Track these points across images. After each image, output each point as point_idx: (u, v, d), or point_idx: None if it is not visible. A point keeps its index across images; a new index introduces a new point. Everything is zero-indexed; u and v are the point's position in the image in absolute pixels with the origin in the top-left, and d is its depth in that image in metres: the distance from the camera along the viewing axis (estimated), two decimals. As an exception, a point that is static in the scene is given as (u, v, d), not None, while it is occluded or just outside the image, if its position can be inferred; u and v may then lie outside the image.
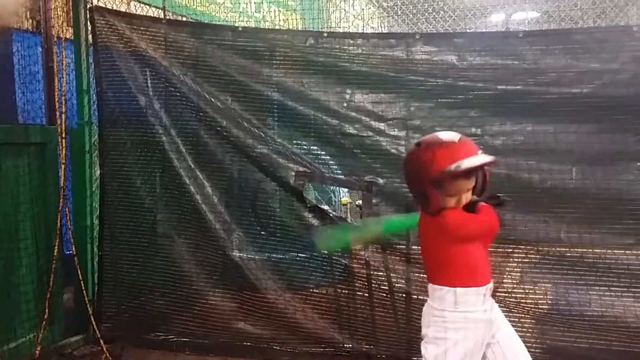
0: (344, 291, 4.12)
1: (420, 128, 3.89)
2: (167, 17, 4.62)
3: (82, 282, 4.32)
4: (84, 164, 4.45)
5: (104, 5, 4.45)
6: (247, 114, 4.18)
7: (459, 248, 2.39)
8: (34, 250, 4.18)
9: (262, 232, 4.25)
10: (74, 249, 4.32)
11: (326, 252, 2.47)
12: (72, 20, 4.52)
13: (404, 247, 3.95)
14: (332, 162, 4.15)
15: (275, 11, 6.41)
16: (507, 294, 3.67)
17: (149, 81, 4.32)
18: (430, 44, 3.91)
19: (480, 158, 2.32)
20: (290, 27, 5.79)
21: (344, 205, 5.00)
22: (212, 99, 4.21)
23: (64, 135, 4.33)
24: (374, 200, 3.99)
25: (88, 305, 4.33)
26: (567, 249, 3.69)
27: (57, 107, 4.42)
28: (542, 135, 3.68)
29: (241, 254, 4.22)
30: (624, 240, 3.60)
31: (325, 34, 4.25)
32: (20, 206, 4.10)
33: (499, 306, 2.58)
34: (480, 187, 2.40)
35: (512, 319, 2.85)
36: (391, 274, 3.98)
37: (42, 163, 4.25)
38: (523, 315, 3.64)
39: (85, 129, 4.45)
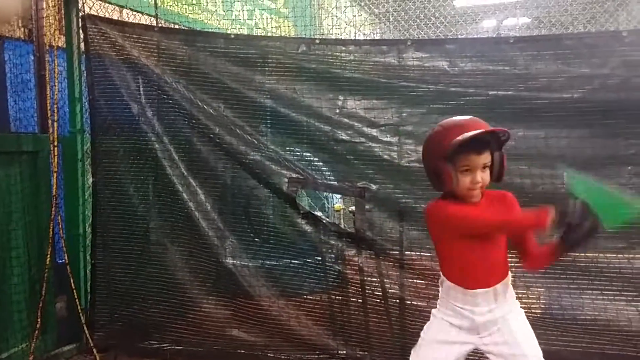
0: (337, 297, 4.12)
1: (412, 134, 3.91)
2: (160, 25, 4.63)
3: (74, 290, 4.30)
4: (76, 172, 4.45)
5: (96, 14, 4.45)
6: (239, 121, 4.19)
7: (449, 243, 2.43)
8: (26, 259, 4.16)
9: (256, 239, 4.25)
10: (66, 257, 4.31)
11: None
12: (64, 28, 4.52)
13: (397, 252, 3.95)
14: (325, 168, 4.16)
15: (267, 18, 6.43)
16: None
17: (141, 89, 4.32)
18: (421, 50, 3.93)
19: (488, 129, 2.33)
20: (283, 34, 5.81)
21: (337, 211, 5.01)
22: (205, 106, 4.21)
23: (56, 143, 4.32)
24: (367, 206, 3.99)
25: (81, 314, 4.32)
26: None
27: (49, 115, 4.43)
28: (534, 140, 3.69)
29: (235, 261, 4.22)
30: (615, 244, 3.60)
31: (317, 41, 4.26)
32: (12, 215, 4.08)
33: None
34: (498, 167, 2.36)
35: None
36: (385, 280, 3.98)
37: (34, 171, 4.24)
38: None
39: (77, 137, 4.44)
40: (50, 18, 4.68)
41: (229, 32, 5.19)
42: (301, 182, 4.11)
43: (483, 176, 2.33)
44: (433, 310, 2.54)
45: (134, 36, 4.32)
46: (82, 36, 4.40)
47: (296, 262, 4.18)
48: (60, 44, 4.59)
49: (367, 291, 4.03)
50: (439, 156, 2.31)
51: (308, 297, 4.17)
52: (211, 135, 4.21)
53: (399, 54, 3.95)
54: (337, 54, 4.12)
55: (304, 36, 5.22)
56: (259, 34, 6.20)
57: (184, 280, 4.28)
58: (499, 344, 2.40)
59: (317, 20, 5.62)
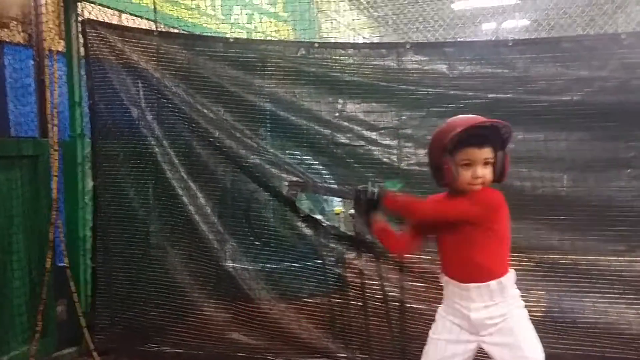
0: (337, 300, 4.11)
1: (411, 137, 3.92)
2: (159, 29, 4.64)
3: (75, 294, 4.31)
4: (77, 176, 4.45)
5: (95, 18, 4.45)
6: (239, 125, 4.19)
7: (438, 236, 2.54)
8: (26, 263, 4.18)
9: (256, 242, 4.25)
10: (66, 261, 4.31)
11: None
12: (63, 33, 4.54)
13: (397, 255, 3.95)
14: (324, 171, 4.16)
15: (266, 22, 6.43)
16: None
17: (141, 93, 4.32)
18: (420, 53, 3.94)
19: (487, 120, 2.36)
20: (282, 38, 5.81)
21: (336, 214, 5.00)
22: (205, 110, 4.21)
23: (56, 147, 4.33)
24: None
25: (81, 317, 4.32)
26: (560, 256, 3.70)
27: (49, 119, 4.44)
28: (533, 143, 3.69)
29: (235, 264, 4.22)
30: (616, 247, 3.61)
31: (316, 45, 4.26)
32: (13, 219, 4.10)
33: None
34: (501, 166, 2.38)
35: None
36: (385, 283, 3.98)
37: (35, 176, 4.25)
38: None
39: (77, 141, 4.45)
40: (50, 23, 4.69)
41: (228, 36, 5.19)
42: (301, 185, 4.11)
43: (484, 172, 2.35)
44: (438, 309, 2.57)
45: (134, 40, 4.32)
46: (81, 41, 4.41)
47: (296, 265, 4.18)
48: (60, 49, 4.60)
49: (367, 294, 4.03)
50: (441, 149, 2.35)
51: (308, 300, 4.17)
52: (211, 139, 4.21)
53: (398, 57, 3.96)
54: (337, 57, 4.13)
55: (303, 40, 5.22)
56: (258, 38, 6.21)
57: (184, 283, 4.28)
58: (500, 345, 2.40)
59: (316, 24, 5.63)
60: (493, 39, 5.89)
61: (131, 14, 4.92)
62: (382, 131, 4.00)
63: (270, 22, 6.49)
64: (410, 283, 3.90)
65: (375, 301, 4.02)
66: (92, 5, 4.48)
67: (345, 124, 4.06)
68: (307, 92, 4.12)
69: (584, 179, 3.66)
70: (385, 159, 3.97)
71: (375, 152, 4.00)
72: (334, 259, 4.09)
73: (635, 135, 3.62)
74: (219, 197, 4.29)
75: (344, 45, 4.34)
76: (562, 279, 3.69)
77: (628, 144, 3.63)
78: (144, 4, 5.06)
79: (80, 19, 4.41)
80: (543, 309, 3.72)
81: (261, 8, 6.49)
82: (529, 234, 3.67)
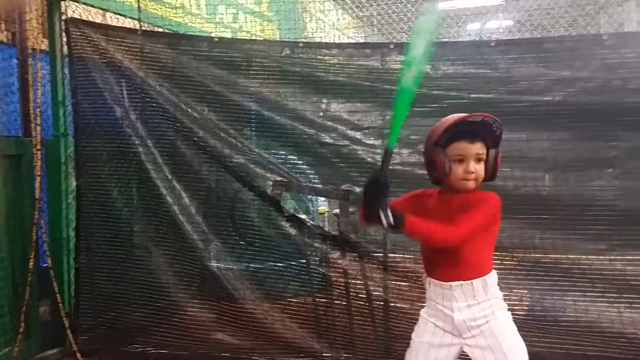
0: (322, 300, 4.12)
1: (395, 137, 3.91)
2: (143, 28, 4.62)
3: (58, 294, 4.29)
4: (60, 175, 4.43)
5: (79, 17, 4.43)
6: (224, 124, 4.19)
7: None
8: (9, 263, 4.16)
9: (241, 242, 4.24)
10: (49, 261, 4.29)
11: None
12: (47, 32, 4.51)
13: (381, 255, 3.96)
14: (309, 171, 4.17)
15: (251, 21, 6.42)
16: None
17: (125, 92, 4.31)
18: (404, 53, 3.94)
19: (479, 114, 2.36)
20: (267, 37, 5.81)
21: (321, 214, 5.01)
22: (189, 110, 4.21)
23: (39, 147, 4.31)
24: (351, 209, 4.00)
25: (64, 318, 4.30)
26: (542, 255, 3.73)
27: (32, 118, 4.40)
28: (516, 143, 3.70)
29: (219, 264, 4.21)
30: (597, 246, 3.64)
31: (301, 44, 4.26)
32: (-5, 219, 4.07)
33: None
34: (492, 164, 2.39)
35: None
36: (369, 282, 3.99)
37: (18, 175, 4.23)
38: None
39: (60, 140, 4.43)
40: (34, 21, 4.65)
41: (213, 35, 5.18)
42: (285, 185, 4.12)
43: (477, 167, 2.36)
44: (421, 311, 2.55)
45: (117, 39, 4.31)
46: (65, 40, 4.39)
47: (280, 264, 4.18)
48: (43, 47, 4.57)
49: (351, 293, 4.04)
50: (433, 144, 2.38)
51: (292, 299, 4.17)
52: (195, 139, 4.20)
53: (382, 57, 3.98)
54: (321, 57, 4.14)
55: (288, 39, 5.22)
56: (243, 37, 6.20)
57: (168, 283, 4.27)
58: (483, 347, 2.39)
59: (301, 24, 5.63)
60: (477, 39, 5.92)
61: (115, 13, 4.90)
62: (366, 131, 4.01)
63: (255, 21, 6.48)
64: (394, 282, 3.92)
65: (360, 300, 4.03)
66: (76, 4, 4.45)
67: (330, 123, 4.06)
68: (291, 92, 4.12)
69: (566, 179, 3.69)
70: (369, 159, 3.98)
71: (359, 152, 4.01)
72: (318, 258, 4.10)
73: (617, 135, 3.65)
74: (203, 197, 4.29)
75: (328, 45, 4.36)
76: (544, 277, 3.72)
77: (609, 143, 3.66)
78: (128, 3, 5.04)
79: (64, 17, 4.39)
80: (525, 308, 3.75)
81: (246, 7, 6.48)
82: (511, 233, 3.70)
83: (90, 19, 4.52)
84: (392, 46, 4.05)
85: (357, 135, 4.03)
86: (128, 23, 4.80)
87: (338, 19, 5.72)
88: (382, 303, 3.97)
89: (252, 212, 4.23)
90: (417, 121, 3.86)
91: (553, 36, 4.79)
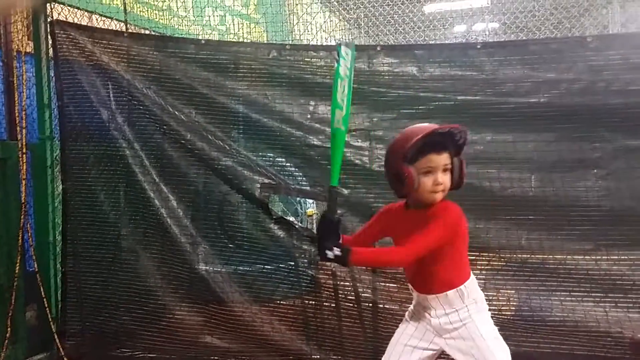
0: (311, 302, 4.12)
1: (383, 139, 3.94)
2: (130, 31, 4.61)
3: (45, 299, 4.26)
4: (46, 179, 4.40)
5: (65, 19, 4.40)
6: (211, 127, 4.18)
7: None
8: (-6, 268, 4.12)
9: (229, 245, 4.24)
10: (36, 265, 4.27)
11: None
12: (32, 34, 4.47)
13: (369, 256, 3.97)
14: (297, 173, 4.17)
15: (239, 23, 6.42)
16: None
17: (111, 95, 4.29)
18: (391, 55, 3.97)
19: (445, 126, 2.36)
20: (254, 39, 5.81)
21: (309, 216, 5.02)
22: (176, 112, 4.20)
23: (25, 150, 4.28)
24: (339, 211, 3.99)
25: (52, 322, 4.28)
26: (529, 256, 3.75)
27: (17, 121, 4.37)
28: (502, 145, 3.74)
29: (207, 267, 4.20)
30: (582, 246, 3.67)
31: (288, 47, 4.28)
32: (-19, 223, 4.03)
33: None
34: (458, 172, 2.38)
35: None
36: (357, 284, 4.00)
37: (3, 179, 4.19)
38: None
39: (46, 143, 4.40)
40: (18, 24, 4.62)
41: (200, 37, 5.18)
42: (273, 187, 4.12)
43: (444, 178, 2.36)
44: (407, 311, 2.60)
45: (104, 42, 4.29)
46: (50, 42, 4.36)
47: (269, 267, 4.18)
48: (28, 50, 4.54)
49: (340, 295, 4.05)
50: (401, 158, 2.34)
51: (281, 302, 4.17)
52: (183, 142, 4.20)
53: (369, 60, 3.99)
54: (308, 59, 4.14)
55: (275, 42, 5.22)
56: (230, 39, 6.19)
57: (157, 287, 4.26)
58: (461, 350, 2.43)
59: (288, 26, 5.63)
60: (463, 41, 5.96)
61: (101, 15, 4.88)
62: (354, 133, 4.01)
63: (242, 23, 6.48)
64: (383, 284, 3.93)
65: (348, 302, 4.04)
66: (62, 6, 4.43)
67: (317, 125, 4.07)
68: (279, 94, 4.13)
69: (551, 180, 3.72)
70: (357, 161, 4.00)
71: (347, 154, 4.00)
72: (306, 260, 4.10)
73: (601, 136, 3.68)
74: (191, 200, 4.28)
75: (315, 47, 4.37)
76: (530, 277, 3.74)
77: (594, 144, 3.69)
78: (115, 5, 5.02)
79: (49, 19, 4.36)
80: (513, 308, 3.78)
81: (233, 10, 6.47)
82: (498, 233, 3.73)
83: (76, 21, 4.49)
84: (379, 48, 4.07)
85: (345, 137, 4.02)
86: (114, 25, 4.78)
87: (325, 21, 5.73)
88: (370, 305, 3.98)
89: (240, 214, 4.22)
90: (404, 123, 3.84)
91: (538, 38, 4.85)
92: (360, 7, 5.70)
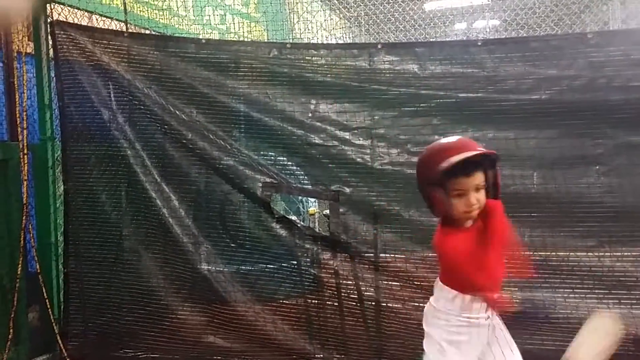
0: (313, 301, 4.12)
1: (384, 137, 3.94)
2: (130, 30, 4.60)
3: (47, 300, 4.25)
4: (47, 179, 4.39)
5: (65, 19, 4.40)
6: (212, 126, 4.18)
7: None
8: (-4, 269, 4.11)
9: (231, 245, 4.23)
10: (38, 266, 4.26)
11: None
12: (32, 34, 4.47)
13: (372, 255, 3.97)
14: (298, 172, 4.17)
15: (239, 22, 6.41)
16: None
17: (112, 95, 4.29)
18: (392, 53, 3.97)
19: (474, 152, 2.25)
20: (255, 38, 5.81)
21: (311, 215, 5.02)
22: (177, 112, 4.19)
23: (26, 151, 4.27)
24: (341, 210, 4.01)
25: (54, 323, 4.27)
26: (532, 252, 3.74)
27: (18, 122, 4.36)
28: (503, 142, 3.74)
29: (210, 267, 4.20)
30: (585, 243, 3.67)
31: (288, 45, 4.27)
32: (-18, 224, 4.03)
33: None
34: (492, 186, 2.32)
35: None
36: (360, 283, 4.00)
37: (4, 180, 4.17)
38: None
39: (48, 144, 4.39)
40: (19, 24, 4.61)
41: (200, 36, 5.18)
42: (275, 186, 4.11)
43: (478, 197, 2.27)
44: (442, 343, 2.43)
45: (104, 42, 4.29)
46: (50, 42, 4.35)
47: (271, 266, 4.17)
48: (28, 51, 4.54)
49: (342, 294, 4.04)
50: (429, 182, 2.27)
51: (284, 301, 4.17)
52: (184, 141, 4.19)
53: (370, 58, 3.99)
54: (309, 58, 4.14)
55: (275, 40, 5.22)
56: (230, 39, 6.19)
57: (159, 287, 4.25)
58: (502, 329, 2.52)
59: (289, 24, 5.63)
60: (464, 39, 5.95)
61: (101, 15, 4.87)
62: (355, 131, 4.02)
63: (242, 22, 6.47)
64: (385, 282, 3.92)
65: (351, 301, 4.04)
66: (62, 6, 4.42)
67: (319, 124, 4.07)
68: (280, 93, 4.12)
69: (554, 176, 3.71)
70: (358, 159, 4.00)
71: (348, 152, 4.02)
72: (309, 259, 4.10)
73: (603, 132, 3.68)
74: (192, 200, 4.27)
75: (315, 46, 4.37)
76: (533, 275, 3.73)
77: (596, 141, 3.69)
78: (115, 5, 5.01)
79: (49, 20, 4.35)
80: (516, 305, 3.76)
81: (233, 9, 6.47)
82: (501, 231, 3.72)
83: (76, 21, 4.49)
84: (379, 46, 4.06)
85: (346, 135, 4.03)
86: (115, 25, 4.78)
87: (325, 20, 5.73)
88: (373, 303, 3.98)
89: (242, 214, 4.22)
90: (405, 121, 3.92)
91: (539, 35, 4.86)
92: (360, 5, 5.70)
